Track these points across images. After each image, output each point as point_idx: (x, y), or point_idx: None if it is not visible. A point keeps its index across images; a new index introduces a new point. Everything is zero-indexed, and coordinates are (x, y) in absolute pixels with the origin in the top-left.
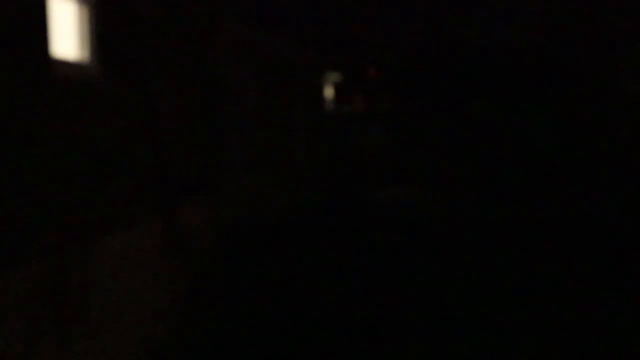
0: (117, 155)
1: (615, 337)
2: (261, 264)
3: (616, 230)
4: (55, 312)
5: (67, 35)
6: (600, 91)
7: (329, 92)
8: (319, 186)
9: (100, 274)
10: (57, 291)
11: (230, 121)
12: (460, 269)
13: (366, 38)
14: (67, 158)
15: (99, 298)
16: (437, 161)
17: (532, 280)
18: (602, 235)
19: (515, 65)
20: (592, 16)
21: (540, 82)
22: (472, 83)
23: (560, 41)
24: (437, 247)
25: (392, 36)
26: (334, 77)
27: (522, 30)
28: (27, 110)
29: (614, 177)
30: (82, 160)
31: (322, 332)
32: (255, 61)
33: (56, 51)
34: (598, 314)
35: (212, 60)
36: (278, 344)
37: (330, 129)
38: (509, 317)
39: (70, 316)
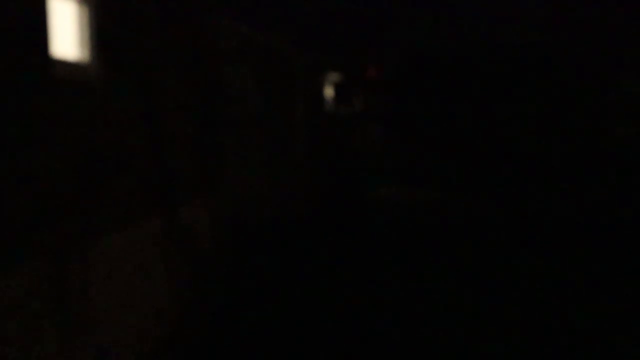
0: (117, 154)
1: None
2: (261, 263)
3: (616, 229)
4: (55, 311)
5: (67, 35)
6: (600, 91)
7: (329, 92)
8: (319, 186)
9: (100, 274)
10: (57, 291)
11: (230, 121)
12: (457, 267)
13: (366, 38)
14: (67, 158)
15: (98, 297)
16: (437, 160)
17: (526, 278)
18: (601, 234)
19: (515, 65)
20: (592, 16)
21: (540, 82)
22: (471, 83)
23: (560, 41)
24: (435, 246)
25: (392, 36)
26: (334, 77)
27: (522, 30)
28: (26, 109)
29: (614, 176)
30: (82, 159)
31: (321, 332)
32: (256, 61)
33: (56, 51)
34: (595, 313)
35: (212, 60)
36: (277, 343)
37: (330, 129)
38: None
39: (70, 316)
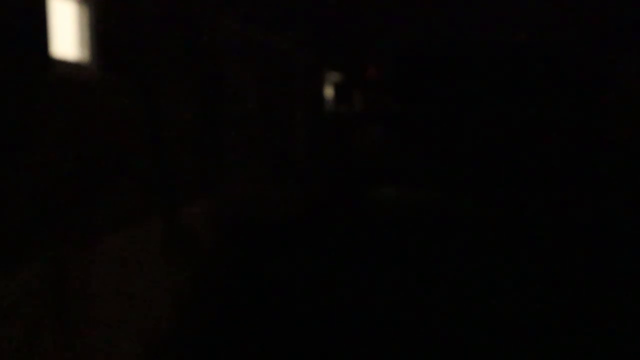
0: (117, 154)
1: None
2: (261, 263)
3: (615, 230)
4: (55, 312)
5: (67, 35)
6: (600, 91)
7: (329, 92)
8: (319, 186)
9: (100, 274)
10: (57, 291)
11: (230, 120)
12: (458, 267)
13: (366, 38)
14: (67, 158)
15: (98, 297)
16: (438, 160)
17: (526, 278)
18: (601, 235)
19: (515, 65)
20: (592, 16)
21: (540, 82)
22: (471, 82)
23: (560, 41)
24: (435, 246)
25: (392, 36)
26: (334, 77)
27: (522, 30)
28: (26, 109)
29: (614, 176)
30: (82, 159)
31: (321, 333)
32: (256, 61)
33: (56, 51)
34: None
35: (212, 60)
36: (277, 344)
37: (330, 129)
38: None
39: (70, 316)
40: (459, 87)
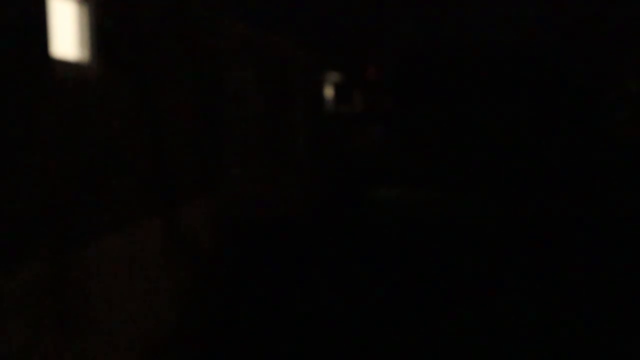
0: (116, 155)
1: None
2: (261, 263)
3: (616, 229)
4: (55, 312)
5: (67, 35)
6: (600, 91)
7: (329, 92)
8: (319, 186)
9: (100, 274)
10: (57, 291)
11: (230, 121)
12: (457, 268)
13: (366, 38)
14: (67, 158)
15: (98, 297)
16: (437, 160)
17: (526, 278)
18: (601, 234)
19: (515, 65)
20: (593, 16)
21: (540, 82)
22: (472, 83)
23: (560, 41)
24: (435, 246)
25: (392, 36)
26: (334, 77)
27: (522, 30)
28: (27, 110)
29: (614, 175)
30: (82, 160)
31: (321, 333)
32: (255, 61)
33: (56, 51)
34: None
35: (212, 60)
36: (276, 343)
37: (330, 129)
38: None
39: (70, 316)
40: (459, 87)
